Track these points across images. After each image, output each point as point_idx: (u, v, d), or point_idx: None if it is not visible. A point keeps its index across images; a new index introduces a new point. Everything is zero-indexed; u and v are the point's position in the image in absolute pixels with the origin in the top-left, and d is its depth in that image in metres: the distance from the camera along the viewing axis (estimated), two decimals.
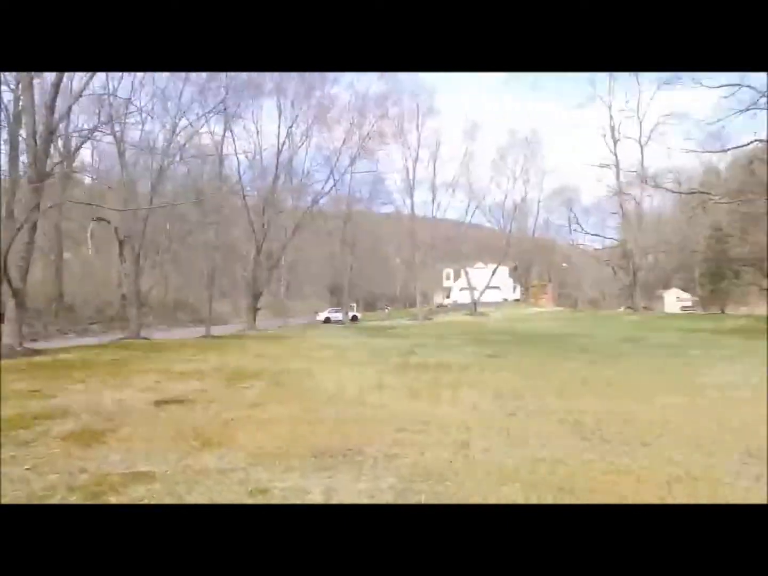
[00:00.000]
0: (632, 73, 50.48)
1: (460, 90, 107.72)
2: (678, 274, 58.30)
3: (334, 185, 44.92)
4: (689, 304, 53.44)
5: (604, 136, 53.73)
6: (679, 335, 23.03)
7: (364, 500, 4.61)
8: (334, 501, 4.60)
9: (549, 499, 4.55)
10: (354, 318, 50.89)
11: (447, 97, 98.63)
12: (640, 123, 51.69)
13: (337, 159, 43.22)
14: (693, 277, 52.81)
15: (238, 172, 36.68)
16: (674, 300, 54.48)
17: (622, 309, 55.75)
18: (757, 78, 39.26)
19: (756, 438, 6.46)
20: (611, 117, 53.13)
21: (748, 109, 36.39)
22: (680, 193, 44.61)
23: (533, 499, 4.55)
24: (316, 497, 4.67)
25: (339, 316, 49.02)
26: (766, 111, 35.46)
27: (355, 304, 59.64)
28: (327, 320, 48.70)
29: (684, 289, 56.69)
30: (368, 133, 42.76)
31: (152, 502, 4.35)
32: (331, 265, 53.66)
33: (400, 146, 49.12)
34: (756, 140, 36.51)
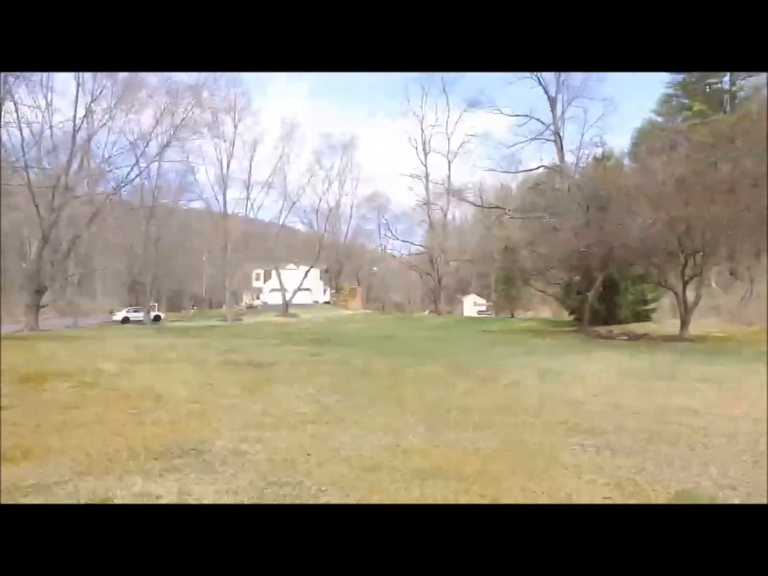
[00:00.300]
0: (443, 93, 55.26)
1: (278, 90, 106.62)
2: (476, 280, 64.55)
3: (140, 174, 41.05)
4: (484, 308, 59.47)
5: (416, 148, 57.58)
6: (483, 335, 25.50)
7: (227, 500, 4.23)
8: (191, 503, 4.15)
9: (415, 483, 4.64)
10: (157, 318, 47.12)
11: (264, 97, 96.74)
12: (448, 140, 56.44)
13: (146, 145, 39.47)
14: (488, 283, 58.86)
15: (22, 147, 31.25)
16: (472, 304, 60.16)
17: (427, 312, 60.00)
18: (543, 112, 45.60)
19: (574, 414, 7.38)
20: (422, 131, 57.22)
21: (536, 138, 42.19)
22: (481, 206, 49.89)
23: (400, 484, 4.60)
24: (169, 501, 4.16)
25: (140, 315, 45.00)
26: (551, 141, 41.56)
27: (156, 304, 55.32)
28: (126, 320, 44.37)
29: (480, 295, 62.96)
30: (182, 120, 39.81)
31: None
32: (131, 260, 48.82)
33: (215, 139, 46.86)
34: (542, 166, 42.49)
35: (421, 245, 62.07)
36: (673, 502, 4.22)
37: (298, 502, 4.24)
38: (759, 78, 56.48)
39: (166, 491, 4.41)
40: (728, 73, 58.51)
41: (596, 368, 12.66)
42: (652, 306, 31.52)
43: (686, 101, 60.06)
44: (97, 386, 9.34)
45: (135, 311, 46.30)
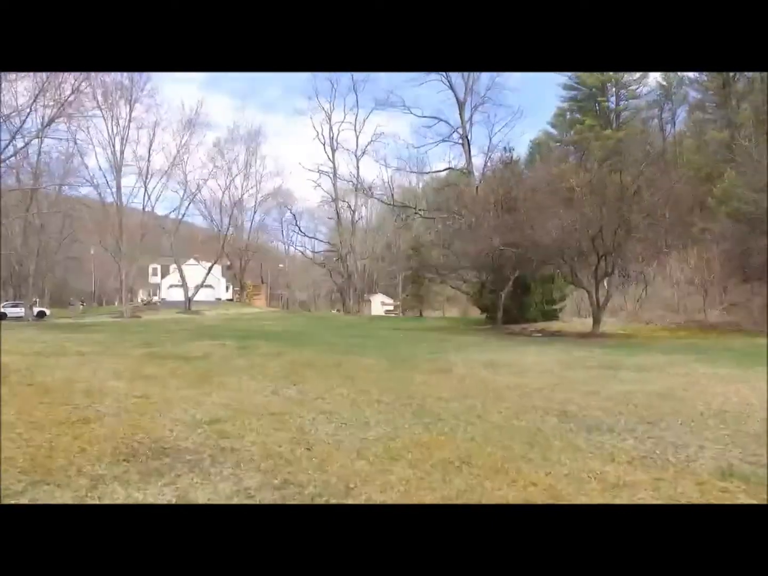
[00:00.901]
0: (352, 91, 54.88)
1: (180, 79, 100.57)
2: (383, 280, 64.43)
3: (17, 153, 36.49)
4: (391, 308, 59.53)
5: (324, 144, 56.51)
6: (404, 333, 25.34)
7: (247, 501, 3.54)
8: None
9: (451, 473, 4.19)
10: (41, 314, 42.50)
11: (166, 84, 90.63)
12: (357, 137, 55.86)
13: (24, 120, 34.59)
14: (395, 283, 58.97)
15: None
16: (379, 304, 59.93)
17: (335, 311, 59.25)
18: (451, 115, 46.64)
19: (553, 401, 7.23)
20: (331, 127, 56.25)
21: (444, 140, 43.09)
22: (392, 205, 49.96)
23: (436, 475, 4.13)
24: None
25: (19, 311, 40.30)
26: (458, 144, 42.59)
27: (38, 299, 50.20)
28: (2, 316, 39.59)
29: (387, 294, 62.93)
30: (70, 95, 35.52)
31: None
32: (6, 249, 43.43)
33: (107, 121, 42.57)
34: (450, 168, 43.50)
35: (329, 242, 60.84)
36: (717, 479, 4.09)
37: (332, 501, 3.63)
38: (639, 101, 62.27)
39: (161, 499, 3.63)
40: (614, 94, 63.81)
41: (535, 361, 12.81)
42: (559, 305, 33.09)
43: (578, 116, 64.50)
44: (6, 382, 7.85)
45: (13, 306, 41.46)
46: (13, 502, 3.56)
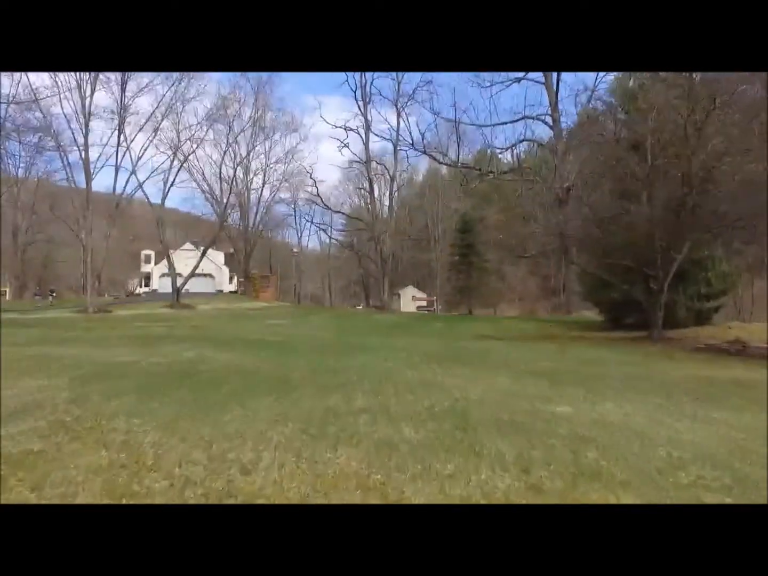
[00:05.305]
0: None
1: None
2: (415, 269, 53.41)
3: None
4: (424, 303, 48.62)
5: (354, 92, 45.03)
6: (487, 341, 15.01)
7: None
8: None
9: None
10: None
11: None
12: (398, 83, 44.35)
13: None
14: (432, 273, 47.94)
15: None
16: (410, 299, 48.81)
17: (361, 306, 48.52)
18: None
19: None
20: (362, 72, 44.70)
21: (522, 79, 32.56)
22: (458, 166, 38.45)
23: None
24: None
25: None
26: (539, 83, 32.01)
27: (6, 289, 40.45)
28: None
29: (420, 288, 51.76)
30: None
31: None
32: None
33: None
34: (526, 116, 33.02)
35: (359, 218, 48.61)
36: None
37: None
38: None
39: None
40: None
41: None
42: (717, 302, 22.61)
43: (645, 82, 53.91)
44: None
45: None
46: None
